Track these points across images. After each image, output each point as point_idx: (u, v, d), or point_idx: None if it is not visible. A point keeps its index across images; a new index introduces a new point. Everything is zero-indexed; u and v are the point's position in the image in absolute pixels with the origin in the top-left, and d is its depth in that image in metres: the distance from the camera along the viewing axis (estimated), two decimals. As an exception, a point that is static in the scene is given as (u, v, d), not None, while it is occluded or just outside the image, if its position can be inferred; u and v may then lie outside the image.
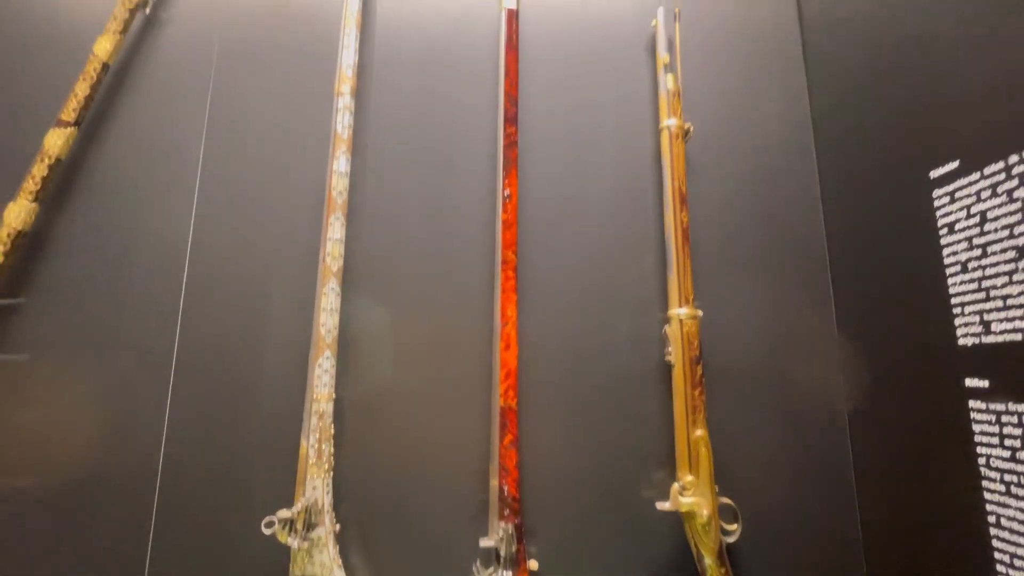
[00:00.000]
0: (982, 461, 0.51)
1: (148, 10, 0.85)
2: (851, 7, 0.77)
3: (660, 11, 0.81)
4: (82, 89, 0.80)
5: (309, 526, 0.65)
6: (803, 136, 0.81)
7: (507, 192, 0.74)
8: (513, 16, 0.81)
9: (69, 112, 0.79)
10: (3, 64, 0.85)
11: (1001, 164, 0.49)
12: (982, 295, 0.51)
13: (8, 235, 0.75)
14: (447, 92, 0.83)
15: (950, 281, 0.55)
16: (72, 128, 0.79)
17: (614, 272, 0.76)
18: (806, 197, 0.79)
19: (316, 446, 0.67)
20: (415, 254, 0.77)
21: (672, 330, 0.71)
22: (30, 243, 0.76)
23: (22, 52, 0.85)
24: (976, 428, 0.52)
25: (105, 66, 0.81)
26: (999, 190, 0.50)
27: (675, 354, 0.70)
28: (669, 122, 0.77)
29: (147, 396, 0.73)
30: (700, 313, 0.70)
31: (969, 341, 0.52)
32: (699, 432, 0.67)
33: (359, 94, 0.79)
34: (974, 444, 0.52)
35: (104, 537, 0.70)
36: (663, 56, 0.79)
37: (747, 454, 0.72)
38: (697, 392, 0.68)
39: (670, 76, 0.78)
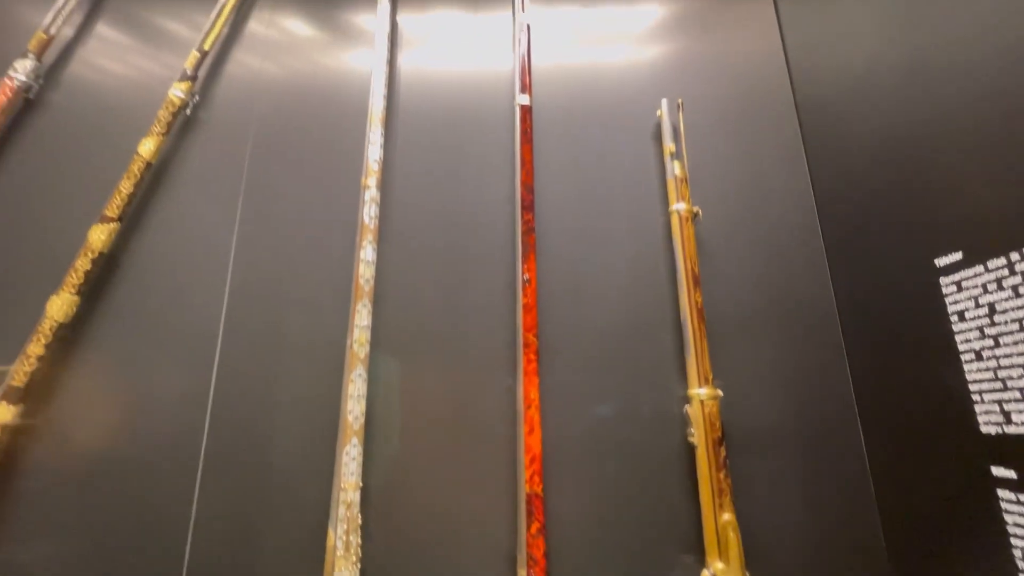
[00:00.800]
0: (1018, 554, 0.51)
1: (188, 111, 0.93)
2: (842, 94, 0.82)
3: (664, 102, 0.87)
4: (126, 187, 0.85)
5: (336, 624, 0.64)
6: (808, 215, 0.84)
7: (526, 276, 0.78)
8: (527, 111, 0.87)
9: (113, 209, 0.84)
10: (52, 163, 0.91)
11: (1003, 260, 0.52)
12: (999, 384, 0.52)
13: (50, 328, 0.78)
14: (466, 182, 0.88)
15: (966, 368, 0.56)
16: (115, 223, 0.84)
17: (633, 353, 0.78)
18: (816, 274, 0.81)
19: (344, 537, 0.67)
20: (439, 339, 0.79)
21: (693, 411, 0.72)
22: (70, 332, 0.80)
23: (71, 151, 0.92)
24: (1008, 519, 0.52)
25: (148, 165, 0.87)
26: (1004, 284, 0.52)
27: (698, 436, 0.70)
28: (678, 206, 0.81)
29: (175, 485, 0.74)
30: (720, 393, 0.72)
31: (992, 430, 0.53)
32: (727, 516, 0.67)
33: (384, 186, 0.84)
34: (1007, 535, 0.52)
35: (127, 635, 0.69)
36: (669, 144, 0.84)
37: (777, 537, 0.71)
38: (722, 475, 0.68)
39: (676, 163, 0.83)
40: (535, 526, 0.68)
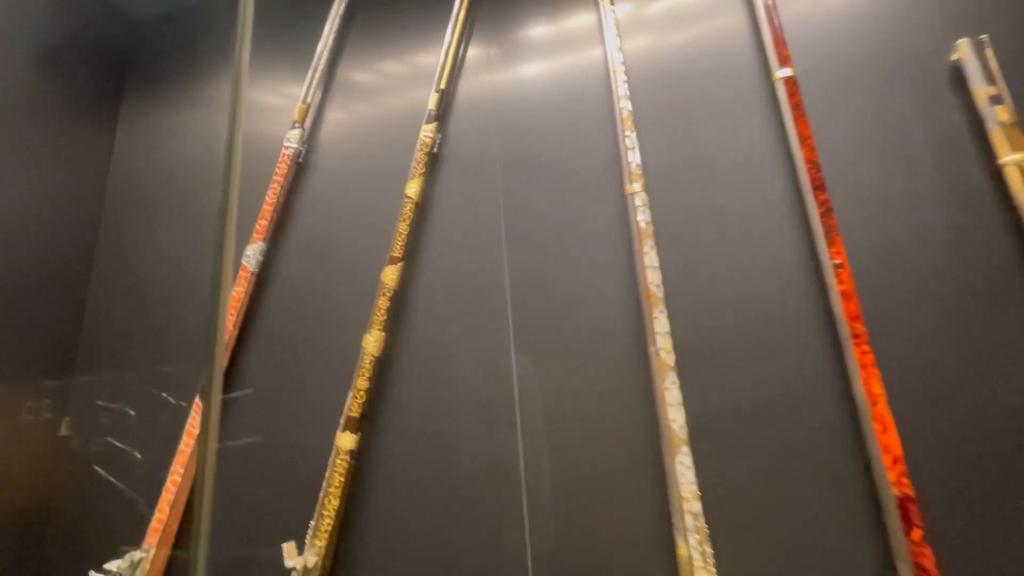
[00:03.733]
0: None
1: (435, 149, 0.99)
2: None
3: (965, 43, 0.75)
4: (404, 228, 0.93)
5: (711, 635, 0.63)
6: None
7: (837, 262, 0.71)
8: (792, 83, 0.80)
9: (398, 249, 0.92)
10: (329, 215, 1.03)
11: None
12: None
13: (369, 362, 0.88)
14: (725, 169, 0.83)
15: None
16: (400, 263, 0.92)
17: (982, 332, 0.68)
18: None
19: (699, 548, 0.66)
20: (738, 339, 0.76)
21: (1099, 393, 0.61)
22: (381, 365, 0.88)
23: (341, 202, 1.03)
24: None
25: (416, 204, 0.95)
26: None
27: (1114, 422, 0.59)
28: (1012, 157, 0.69)
29: (504, 498, 0.78)
30: None
31: None
32: None
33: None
34: None
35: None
36: (984, 89, 0.73)
37: None
38: None
39: (999, 108, 0.71)
40: (917, 533, 0.61)
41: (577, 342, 0.82)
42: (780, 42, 0.83)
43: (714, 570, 0.65)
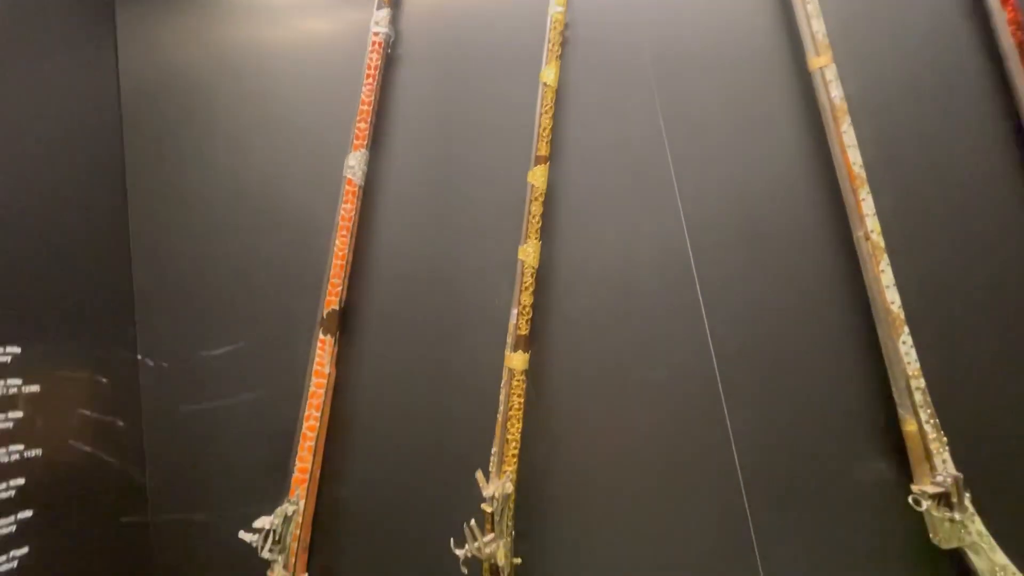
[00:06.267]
0: None
1: (567, 32, 0.85)
2: None
3: None
4: (546, 122, 0.81)
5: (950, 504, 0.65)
6: None
7: (1050, 129, 0.69)
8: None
9: (543, 147, 0.80)
10: (435, 113, 0.88)
11: None
12: None
13: (530, 274, 0.79)
14: (911, 39, 0.77)
15: None
16: (547, 163, 0.80)
17: None
18: None
19: (930, 421, 0.67)
20: (945, 220, 0.73)
21: None
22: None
23: (447, 97, 0.88)
24: None
25: (555, 93, 0.82)
26: None
27: None
28: None
29: (701, 400, 0.75)
30: None
31: None
32: None
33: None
34: None
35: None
36: None
37: None
38: None
39: None
40: None
41: (764, 231, 0.77)
42: None
43: (945, 439, 0.66)
